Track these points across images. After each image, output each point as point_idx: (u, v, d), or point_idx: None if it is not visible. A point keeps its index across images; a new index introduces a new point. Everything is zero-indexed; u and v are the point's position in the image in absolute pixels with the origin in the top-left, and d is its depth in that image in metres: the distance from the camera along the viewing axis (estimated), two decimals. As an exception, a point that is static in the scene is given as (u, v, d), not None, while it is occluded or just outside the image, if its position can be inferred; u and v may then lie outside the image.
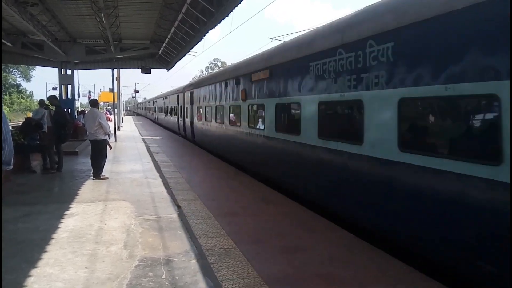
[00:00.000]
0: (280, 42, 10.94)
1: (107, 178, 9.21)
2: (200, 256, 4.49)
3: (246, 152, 10.24)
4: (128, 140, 20.40)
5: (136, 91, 68.23)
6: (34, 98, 72.21)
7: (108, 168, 10.15)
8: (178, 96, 23.07)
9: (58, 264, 4.23)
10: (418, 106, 4.61)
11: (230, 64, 37.96)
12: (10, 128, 5.92)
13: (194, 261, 4.34)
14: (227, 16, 12.48)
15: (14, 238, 5.01)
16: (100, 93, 49.18)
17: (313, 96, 6.57)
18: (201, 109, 16.18)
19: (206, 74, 67.48)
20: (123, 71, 35.61)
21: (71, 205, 6.73)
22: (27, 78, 73.93)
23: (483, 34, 3.58)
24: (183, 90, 21.27)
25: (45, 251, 4.60)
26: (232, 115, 11.63)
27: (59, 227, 5.51)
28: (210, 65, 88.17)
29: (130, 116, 70.81)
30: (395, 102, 4.59)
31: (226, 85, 12.14)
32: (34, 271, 4.03)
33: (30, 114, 20.57)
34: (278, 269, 4.20)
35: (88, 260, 4.37)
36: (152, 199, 7.29)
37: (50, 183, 8.91)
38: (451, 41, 3.91)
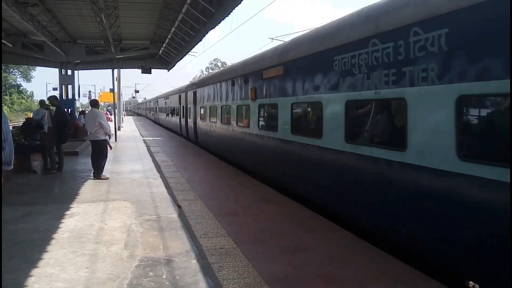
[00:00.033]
0: (280, 42, 10.64)
1: (107, 178, 9.22)
2: (201, 256, 4.49)
3: (255, 155, 9.59)
4: (129, 140, 20.39)
5: (137, 91, 68.42)
6: (34, 98, 72.40)
7: (108, 168, 10.16)
8: (180, 96, 22.31)
9: (59, 264, 4.24)
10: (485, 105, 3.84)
11: (230, 64, 37.95)
12: (11, 128, 5.93)
13: (194, 261, 4.35)
14: (227, 16, 12.51)
15: (14, 238, 5.02)
16: (101, 93, 49.32)
17: (338, 94, 5.83)
18: (205, 109, 15.42)
19: (206, 74, 67.44)
20: (123, 71, 35.61)
21: (71, 205, 6.74)
22: (28, 78, 74.25)
23: None
24: (185, 89, 20.61)
25: (46, 251, 4.60)
26: (240, 115, 10.91)
27: (59, 227, 5.52)
28: (210, 65, 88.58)
29: (131, 116, 70.78)
30: (452, 100, 3.86)
31: (233, 84, 11.34)
32: (34, 271, 4.04)
33: (31, 115, 20.55)
34: (278, 269, 4.20)
35: (89, 260, 4.37)
36: (153, 199, 7.30)
37: (51, 183, 8.92)
38: None
